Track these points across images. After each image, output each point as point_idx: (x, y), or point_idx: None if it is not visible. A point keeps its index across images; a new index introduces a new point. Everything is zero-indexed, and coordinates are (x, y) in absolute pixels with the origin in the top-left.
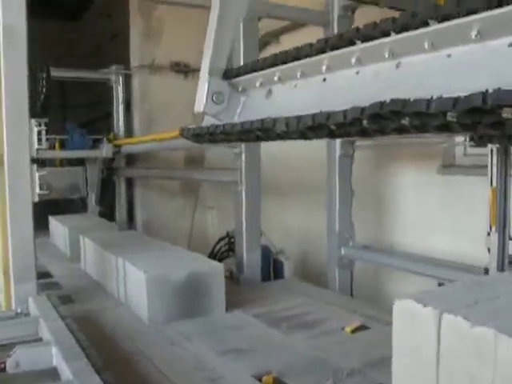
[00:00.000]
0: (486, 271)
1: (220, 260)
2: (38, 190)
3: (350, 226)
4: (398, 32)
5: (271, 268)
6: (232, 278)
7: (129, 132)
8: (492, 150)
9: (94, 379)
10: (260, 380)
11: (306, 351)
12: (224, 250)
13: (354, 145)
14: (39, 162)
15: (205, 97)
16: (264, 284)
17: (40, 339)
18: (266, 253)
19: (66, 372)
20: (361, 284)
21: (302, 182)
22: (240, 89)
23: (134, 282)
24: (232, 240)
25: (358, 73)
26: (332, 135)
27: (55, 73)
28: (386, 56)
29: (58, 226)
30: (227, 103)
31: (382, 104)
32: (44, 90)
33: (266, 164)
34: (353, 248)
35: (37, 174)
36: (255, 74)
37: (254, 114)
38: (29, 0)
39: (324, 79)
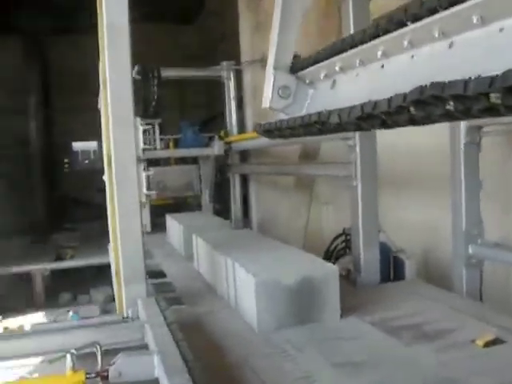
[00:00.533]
0: None
1: (336, 258)
2: (145, 190)
3: (478, 222)
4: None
5: (391, 268)
6: (348, 278)
7: (241, 129)
8: None
9: None
10: None
11: (432, 368)
12: (340, 247)
13: (480, 131)
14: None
15: (270, 92)
16: (383, 286)
17: (145, 346)
18: (385, 251)
19: None
20: (490, 287)
21: (424, 173)
22: (307, 81)
23: (244, 286)
24: (349, 237)
25: (412, 56)
26: (385, 125)
27: (167, 72)
28: (436, 36)
29: (173, 224)
30: (294, 97)
31: (422, 89)
32: (155, 91)
33: (381, 154)
34: (482, 246)
35: (143, 174)
36: (318, 65)
37: (320, 106)
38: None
39: (382, 65)
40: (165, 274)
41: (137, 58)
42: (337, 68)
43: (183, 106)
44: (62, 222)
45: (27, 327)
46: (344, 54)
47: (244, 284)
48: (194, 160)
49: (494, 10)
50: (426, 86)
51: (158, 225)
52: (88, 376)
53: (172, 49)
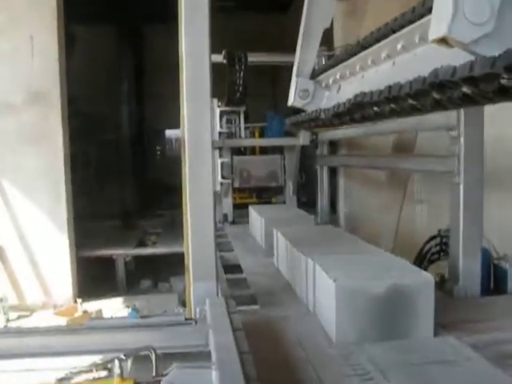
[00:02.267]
0: None
1: (430, 262)
2: (220, 179)
3: None
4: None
5: (491, 277)
6: (443, 288)
7: None
8: None
9: None
10: None
11: None
12: (435, 250)
13: None
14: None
15: (293, 94)
16: (484, 299)
17: (209, 353)
18: (485, 257)
19: None
20: None
21: None
22: (323, 85)
23: (324, 290)
24: (444, 240)
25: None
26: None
27: (254, 58)
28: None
29: (256, 217)
30: (313, 97)
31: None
32: (242, 77)
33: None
34: None
35: (219, 161)
36: (326, 73)
37: (331, 105)
38: None
39: (362, 76)
40: (241, 269)
41: (228, 45)
42: (337, 76)
43: (275, 95)
44: (152, 208)
45: (105, 312)
46: (340, 65)
47: (324, 288)
48: (280, 150)
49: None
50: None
51: (242, 215)
52: None
53: (263, 36)
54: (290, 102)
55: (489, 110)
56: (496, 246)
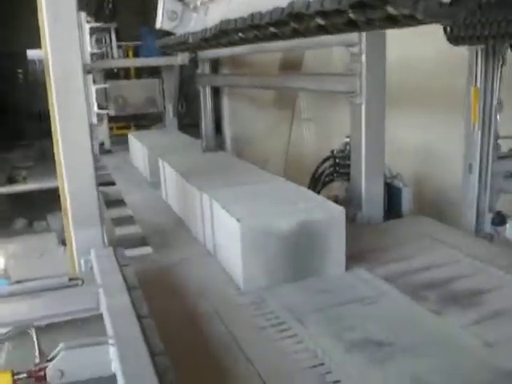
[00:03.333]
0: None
1: (325, 184)
2: (96, 109)
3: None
4: None
5: (385, 196)
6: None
7: None
8: (477, 51)
9: None
10: None
11: (475, 350)
12: (329, 172)
13: (504, 46)
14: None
15: (161, 16)
16: (387, 224)
17: (101, 317)
18: None
19: None
20: None
21: (423, 90)
22: (191, 7)
23: (225, 231)
24: (338, 161)
25: None
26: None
27: None
28: None
29: (137, 145)
30: (181, 20)
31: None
32: None
33: None
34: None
35: (93, 88)
36: None
37: (199, 28)
38: None
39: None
40: (126, 205)
41: None
42: None
43: (144, 11)
44: (17, 138)
45: None
46: None
47: (225, 229)
48: (157, 71)
49: None
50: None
51: (119, 142)
52: (16, 377)
53: None
54: (158, 24)
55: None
56: (389, 165)
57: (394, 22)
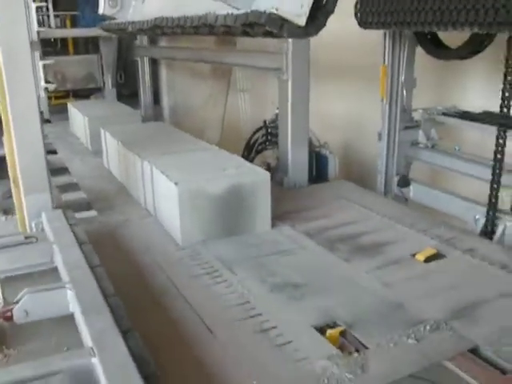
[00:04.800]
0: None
1: (258, 152)
2: (43, 83)
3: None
4: None
5: (313, 164)
6: (272, 176)
7: None
8: (385, 34)
9: (119, 347)
10: (323, 332)
11: (375, 289)
12: (262, 141)
13: None
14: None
15: (102, 2)
16: (311, 188)
17: (55, 270)
18: (307, 146)
19: (83, 331)
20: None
21: (349, 65)
22: None
23: (164, 194)
24: (270, 130)
25: None
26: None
27: None
28: None
29: (77, 115)
30: (121, 7)
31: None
32: None
33: None
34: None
35: (40, 64)
36: None
37: (137, 16)
38: None
39: None
40: (69, 172)
41: None
42: None
43: None
44: None
45: None
46: None
47: (164, 192)
48: (95, 44)
49: None
50: None
51: (59, 111)
52: None
53: None
54: (101, 10)
55: None
56: (317, 134)
57: (271, 35)
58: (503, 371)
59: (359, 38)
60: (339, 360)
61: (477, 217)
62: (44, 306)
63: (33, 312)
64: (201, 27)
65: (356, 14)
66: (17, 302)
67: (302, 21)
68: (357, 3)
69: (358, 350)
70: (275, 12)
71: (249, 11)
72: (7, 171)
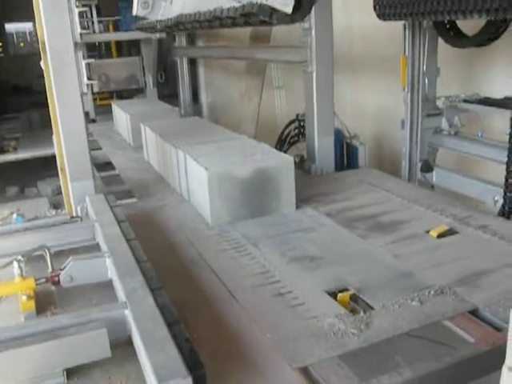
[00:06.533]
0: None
1: (290, 144)
2: (85, 80)
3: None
4: None
5: (344, 154)
6: (302, 165)
7: None
8: (405, 25)
9: (148, 301)
10: (335, 297)
11: (387, 260)
12: (294, 134)
13: None
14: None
15: (136, 5)
16: (337, 174)
17: (97, 245)
18: (339, 137)
19: (119, 290)
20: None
21: (383, 56)
22: None
23: (196, 179)
24: (302, 123)
25: None
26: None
27: None
28: None
29: (120, 113)
30: (152, 8)
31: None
32: None
33: (337, 36)
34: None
35: (83, 62)
36: None
37: (165, 15)
38: None
39: None
40: (113, 166)
41: None
42: None
43: None
44: (3, 111)
45: None
46: None
47: (196, 177)
48: (136, 46)
49: None
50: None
51: (103, 112)
52: (38, 282)
53: None
54: (134, 11)
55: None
56: (349, 126)
57: (265, 23)
58: (498, 329)
59: (392, 30)
60: (346, 318)
61: (496, 198)
62: (86, 272)
63: (77, 277)
64: (212, 21)
65: (375, 7)
66: (63, 269)
67: (288, 9)
68: None
69: (365, 311)
70: (265, 2)
71: (245, 3)
72: (57, 169)
